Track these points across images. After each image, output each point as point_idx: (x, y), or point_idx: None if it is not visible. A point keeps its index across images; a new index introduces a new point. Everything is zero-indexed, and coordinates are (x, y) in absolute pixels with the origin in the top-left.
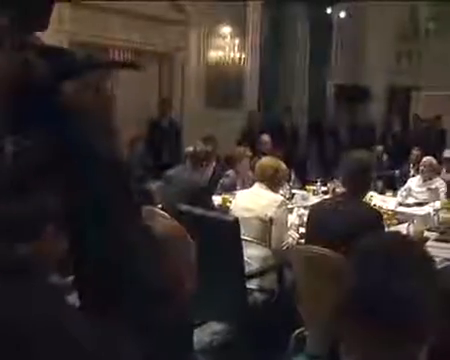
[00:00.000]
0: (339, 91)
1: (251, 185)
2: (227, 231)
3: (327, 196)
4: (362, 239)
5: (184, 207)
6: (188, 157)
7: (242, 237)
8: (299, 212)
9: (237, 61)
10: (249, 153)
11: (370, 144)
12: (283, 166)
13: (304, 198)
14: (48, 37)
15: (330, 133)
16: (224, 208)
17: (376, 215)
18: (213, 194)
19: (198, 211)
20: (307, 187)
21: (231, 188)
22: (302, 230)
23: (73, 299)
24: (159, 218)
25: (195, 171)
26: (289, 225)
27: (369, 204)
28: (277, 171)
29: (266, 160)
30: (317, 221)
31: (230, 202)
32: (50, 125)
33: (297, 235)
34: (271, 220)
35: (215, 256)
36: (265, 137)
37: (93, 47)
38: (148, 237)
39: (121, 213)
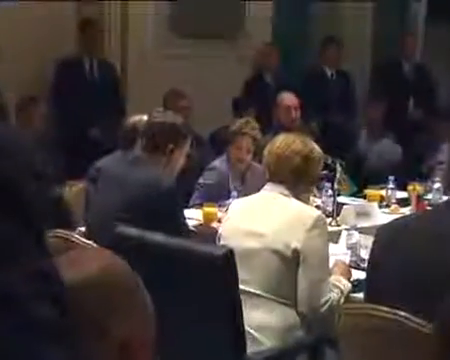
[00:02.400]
0: None
1: (258, 188)
2: (212, 275)
3: (407, 209)
4: None
5: (130, 230)
6: (135, 135)
7: (241, 287)
8: (352, 239)
9: None
10: (255, 126)
11: None
12: (319, 152)
13: (362, 212)
14: None
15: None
16: (206, 231)
17: None
18: (185, 205)
19: (158, 237)
20: (368, 192)
21: (219, 193)
22: (359, 275)
23: None
24: (82, 254)
25: (150, 162)
26: (333, 264)
27: None
28: (308, 161)
29: (287, 140)
30: (394, 257)
31: (218, 220)
32: None
33: (348, 284)
34: (297, 255)
35: (189, 322)
36: (287, 97)
37: None
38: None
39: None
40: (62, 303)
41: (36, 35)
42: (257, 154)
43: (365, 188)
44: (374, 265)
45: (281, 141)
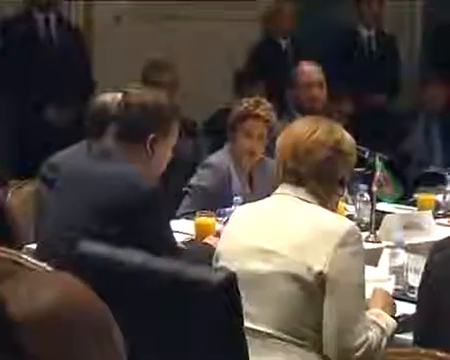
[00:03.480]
0: None
1: (269, 191)
2: (208, 308)
3: None
4: None
5: (97, 247)
6: (105, 120)
7: (247, 324)
8: (396, 260)
9: None
10: (268, 107)
11: None
12: (351, 142)
13: (411, 224)
14: None
15: None
16: (200, 248)
17: None
18: (173, 214)
19: (135, 257)
20: (420, 197)
21: (218, 198)
22: (407, 308)
23: None
24: (32, 281)
25: (126, 155)
26: (371, 293)
27: None
28: (337, 155)
29: (308, 127)
30: None
31: (216, 234)
32: None
33: (392, 320)
34: (322, 281)
35: None
36: (307, 69)
37: None
38: None
39: None
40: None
41: None
42: (270, 145)
43: (415, 191)
44: (427, 296)
45: (300, 128)
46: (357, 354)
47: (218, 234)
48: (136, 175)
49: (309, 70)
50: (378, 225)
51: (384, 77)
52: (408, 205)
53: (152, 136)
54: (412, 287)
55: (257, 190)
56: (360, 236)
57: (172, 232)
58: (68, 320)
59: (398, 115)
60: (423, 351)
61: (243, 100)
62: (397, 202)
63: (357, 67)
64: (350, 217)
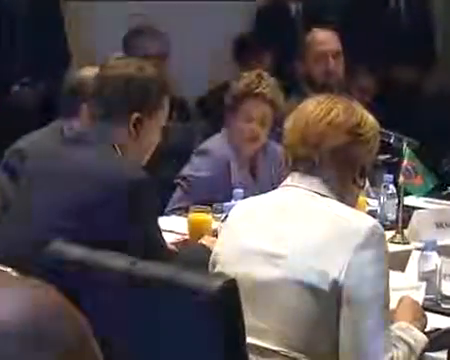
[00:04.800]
0: None
1: (277, 182)
2: (204, 320)
3: None
4: None
5: (72, 248)
6: (82, 98)
7: (250, 340)
8: (428, 264)
9: None
10: (272, 83)
11: None
12: (374, 125)
13: (445, 222)
14: None
15: None
16: (194, 250)
17: None
18: (161, 209)
19: (117, 261)
20: None
21: (215, 191)
22: (440, 322)
23: None
24: None
25: (105, 138)
26: (397, 303)
27: None
28: (356, 139)
29: (322, 106)
30: None
31: (213, 233)
32: None
33: (422, 336)
34: (339, 289)
35: None
36: (321, 37)
37: None
38: None
39: None
40: None
41: None
42: (277, 129)
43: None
44: None
45: (312, 108)
46: None
47: (215, 233)
48: (117, 163)
49: (323, 38)
50: (406, 223)
51: (416, 45)
52: (442, 199)
53: (136, 115)
54: (447, 297)
55: (261, 181)
56: (384, 236)
57: (161, 231)
58: (35, 336)
59: (433, 93)
60: None
61: (242, 75)
62: (428, 195)
63: (382, 34)
64: (372, 214)
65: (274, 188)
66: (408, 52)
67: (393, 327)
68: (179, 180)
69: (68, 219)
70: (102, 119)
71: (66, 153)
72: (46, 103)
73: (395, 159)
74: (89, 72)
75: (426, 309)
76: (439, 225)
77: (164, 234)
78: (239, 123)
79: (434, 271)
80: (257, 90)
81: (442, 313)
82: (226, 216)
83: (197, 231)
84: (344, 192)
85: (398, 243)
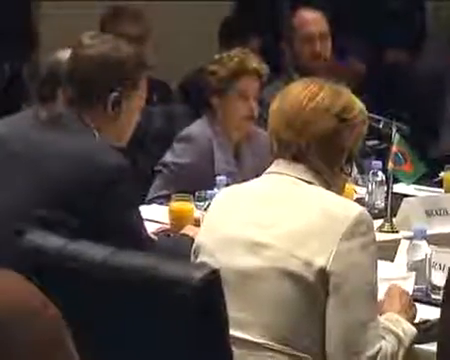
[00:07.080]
0: None
1: (259, 170)
2: (186, 312)
3: None
4: None
5: (47, 238)
6: (58, 81)
7: (233, 332)
8: (417, 254)
9: None
10: (261, 61)
11: None
12: (361, 109)
13: (435, 210)
14: None
15: None
16: (175, 239)
17: None
18: (142, 197)
19: (94, 251)
20: (447, 176)
21: (198, 178)
22: (429, 313)
23: None
24: None
25: (81, 122)
26: (385, 293)
27: None
28: (343, 124)
29: (308, 90)
30: None
31: (195, 222)
32: None
33: (411, 327)
34: (326, 279)
35: None
36: (308, 17)
37: None
38: None
39: None
40: None
41: None
42: (261, 112)
43: (442, 169)
44: None
45: (298, 92)
46: None
47: (197, 222)
48: (95, 146)
49: (310, 19)
50: (395, 211)
51: (407, 26)
52: (432, 186)
53: (114, 95)
54: (436, 287)
55: (245, 168)
56: (372, 225)
57: (142, 220)
58: (6, 329)
59: (423, 75)
60: None
61: (223, 55)
62: (418, 183)
63: (371, 13)
64: (360, 201)
65: (258, 175)
66: (398, 32)
67: (382, 318)
68: (160, 167)
69: (40, 206)
70: (78, 100)
71: (42, 138)
72: (11, 85)
73: (384, 145)
74: (65, 54)
75: (416, 300)
76: (429, 213)
77: (145, 223)
78: (234, 103)
79: (424, 260)
80: (253, 66)
81: (432, 304)
82: (209, 204)
83: (179, 220)
84: (330, 179)
85: (387, 232)
